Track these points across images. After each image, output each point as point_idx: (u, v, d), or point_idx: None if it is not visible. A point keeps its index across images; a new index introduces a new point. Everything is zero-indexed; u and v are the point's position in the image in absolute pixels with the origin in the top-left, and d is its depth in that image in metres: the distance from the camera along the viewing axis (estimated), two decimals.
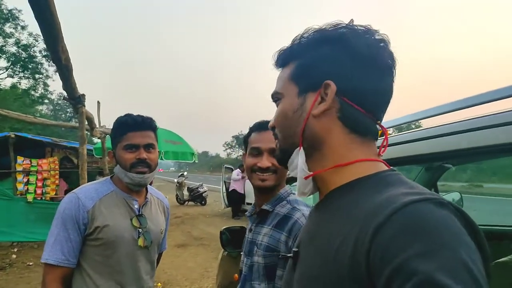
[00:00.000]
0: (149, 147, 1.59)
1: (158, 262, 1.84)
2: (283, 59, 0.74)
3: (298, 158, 0.70)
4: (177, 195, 16.19)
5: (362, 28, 0.66)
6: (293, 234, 1.29)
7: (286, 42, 0.75)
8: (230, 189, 12.21)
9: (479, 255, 0.47)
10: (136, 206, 1.62)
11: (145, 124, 1.59)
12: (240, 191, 12.05)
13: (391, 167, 0.67)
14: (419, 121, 1.40)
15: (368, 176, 0.63)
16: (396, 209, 0.49)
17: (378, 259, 0.47)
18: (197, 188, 15.70)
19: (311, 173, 0.69)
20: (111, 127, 1.64)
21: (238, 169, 12.56)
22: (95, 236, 1.48)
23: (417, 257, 0.44)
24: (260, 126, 1.48)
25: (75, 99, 3.13)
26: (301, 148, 0.70)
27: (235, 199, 12.15)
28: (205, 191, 15.57)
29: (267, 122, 1.46)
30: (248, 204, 11.83)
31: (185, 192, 15.99)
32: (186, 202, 15.91)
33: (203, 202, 15.59)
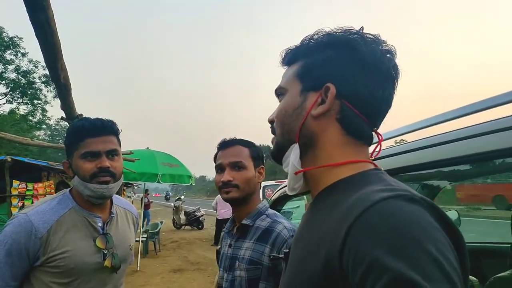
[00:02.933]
0: (112, 153, 1.40)
1: None
2: (291, 57, 0.76)
3: (292, 154, 0.72)
4: (173, 219, 15.99)
5: (371, 36, 0.68)
6: (277, 247, 1.30)
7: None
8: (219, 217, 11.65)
9: (452, 249, 0.47)
10: (99, 224, 1.42)
11: (105, 128, 1.40)
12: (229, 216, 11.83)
13: (377, 166, 0.68)
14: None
15: (351, 176, 0.64)
16: (366, 208, 0.49)
17: (351, 258, 0.47)
18: (194, 212, 15.52)
19: (301, 169, 0.70)
20: None
21: None
22: (51, 265, 1.28)
23: (387, 255, 0.44)
24: (223, 144, 1.51)
25: (73, 119, 3.14)
26: (297, 144, 0.71)
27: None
28: (202, 215, 15.39)
29: (230, 139, 1.50)
30: None
31: (182, 216, 15.81)
32: (183, 227, 15.70)
33: (200, 226, 15.38)
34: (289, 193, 0.76)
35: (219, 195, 8.52)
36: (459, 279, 0.44)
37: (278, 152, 0.76)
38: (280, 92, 0.77)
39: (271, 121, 0.79)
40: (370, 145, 0.72)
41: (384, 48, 0.68)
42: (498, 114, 1.06)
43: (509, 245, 1.73)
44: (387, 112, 0.71)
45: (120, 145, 1.48)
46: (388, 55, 0.67)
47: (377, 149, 0.75)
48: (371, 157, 0.72)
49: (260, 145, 1.59)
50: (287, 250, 0.75)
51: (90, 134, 1.36)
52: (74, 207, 1.39)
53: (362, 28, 0.69)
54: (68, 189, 1.47)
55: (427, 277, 0.41)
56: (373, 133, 0.71)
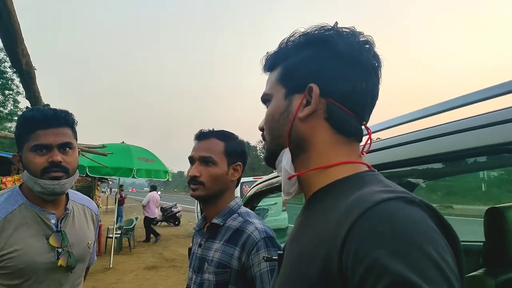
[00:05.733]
0: (64, 146, 1.30)
1: (85, 275, 1.59)
2: (271, 62, 0.76)
3: (284, 159, 0.71)
4: None
5: (346, 30, 0.67)
6: (247, 249, 1.24)
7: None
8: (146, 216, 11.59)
9: (450, 252, 0.47)
10: (53, 221, 1.32)
11: (58, 119, 1.30)
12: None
13: (372, 168, 0.67)
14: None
15: (347, 177, 0.63)
16: (366, 208, 0.49)
17: (350, 259, 0.46)
18: (171, 208, 15.36)
19: (294, 173, 0.70)
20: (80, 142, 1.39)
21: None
22: None
23: (387, 257, 0.43)
24: (199, 135, 1.43)
25: None
26: (287, 148, 0.70)
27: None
28: (179, 211, 15.25)
29: (206, 131, 1.42)
30: None
31: (158, 212, 15.61)
32: (159, 223, 15.50)
33: (176, 223, 15.23)
34: (285, 198, 0.75)
35: (151, 194, 8.64)
36: (457, 282, 0.44)
37: (270, 158, 0.76)
38: (266, 99, 0.77)
39: (261, 129, 0.79)
40: (361, 141, 0.71)
41: (361, 39, 0.67)
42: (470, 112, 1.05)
43: (481, 243, 1.73)
44: (373, 104, 0.70)
45: (76, 138, 1.38)
46: (366, 46, 0.67)
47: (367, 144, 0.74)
48: (362, 153, 0.71)
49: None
50: (281, 252, 0.74)
51: (41, 126, 1.26)
52: (25, 203, 1.30)
53: (336, 23, 0.69)
54: (18, 185, 1.36)
55: (428, 280, 0.41)
56: (363, 127, 0.71)
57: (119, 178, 9.25)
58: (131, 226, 9.92)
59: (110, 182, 20.63)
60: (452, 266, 0.45)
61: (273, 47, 0.76)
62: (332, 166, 0.66)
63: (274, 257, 1.16)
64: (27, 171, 1.29)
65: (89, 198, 1.65)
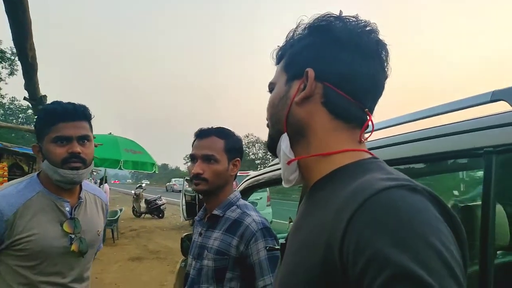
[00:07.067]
0: (83, 139, 1.39)
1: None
2: (280, 54, 0.77)
3: (282, 144, 0.70)
4: (133, 207, 15.69)
5: (348, 17, 0.67)
6: (245, 239, 1.35)
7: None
8: None
9: (454, 242, 0.46)
10: (67, 209, 1.42)
11: (78, 113, 1.39)
12: None
13: (374, 155, 0.67)
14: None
15: (349, 165, 0.62)
16: (368, 197, 0.48)
17: (351, 250, 0.46)
18: (155, 200, 15.30)
19: (293, 158, 0.69)
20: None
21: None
22: (16, 248, 1.28)
23: (389, 247, 0.42)
24: (200, 133, 1.51)
25: (36, 100, 3.01)
26: (285, 133, 0.70)
27: None
28: (163, 204, 15.22)
29: (207, 129, 1.51)
30: None
31: (142, 204, 15.56)
32: (143, 215, 15.47)
33: (160, 215, 15.21)
34: (285, 186, 0.75)
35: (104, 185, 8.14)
36: (461, 273, 0.43)
37: (271, 144, 0.76)
38: (271, 88, 0.78)
39: (266, 118, 0.80)
40: (362, 128, 0.68)
41: (363, 25, 0.66)
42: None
43: None
44: (377, 91, 0.69)
45: (92, 131, 1.47)
46: (369, 32, 0.66)
47: (369, 134, 0.73)
48: (360, 139, 0.68)
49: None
50: (284, 241, 0.73)
51: (61, 119, 1.35)
52: (42, 191, 1.39)
53: (341, 12, 0.69)
54: (36, 173, 1.45)
55: (431, 272, 0.40)
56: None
57: (105, 169, 9.23)
58: (115, 218, 9.89)
59: (94, 173, 20.37)
60: (456, 256, 0.44)
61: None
62: (334, 154, 0.64)
63: (276, 247, 1.25)
64: (47, 160, 1.37)
65: (99, 188, 1.75)
